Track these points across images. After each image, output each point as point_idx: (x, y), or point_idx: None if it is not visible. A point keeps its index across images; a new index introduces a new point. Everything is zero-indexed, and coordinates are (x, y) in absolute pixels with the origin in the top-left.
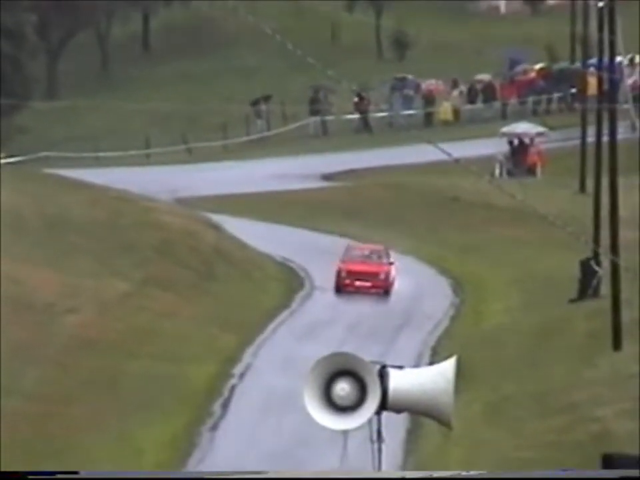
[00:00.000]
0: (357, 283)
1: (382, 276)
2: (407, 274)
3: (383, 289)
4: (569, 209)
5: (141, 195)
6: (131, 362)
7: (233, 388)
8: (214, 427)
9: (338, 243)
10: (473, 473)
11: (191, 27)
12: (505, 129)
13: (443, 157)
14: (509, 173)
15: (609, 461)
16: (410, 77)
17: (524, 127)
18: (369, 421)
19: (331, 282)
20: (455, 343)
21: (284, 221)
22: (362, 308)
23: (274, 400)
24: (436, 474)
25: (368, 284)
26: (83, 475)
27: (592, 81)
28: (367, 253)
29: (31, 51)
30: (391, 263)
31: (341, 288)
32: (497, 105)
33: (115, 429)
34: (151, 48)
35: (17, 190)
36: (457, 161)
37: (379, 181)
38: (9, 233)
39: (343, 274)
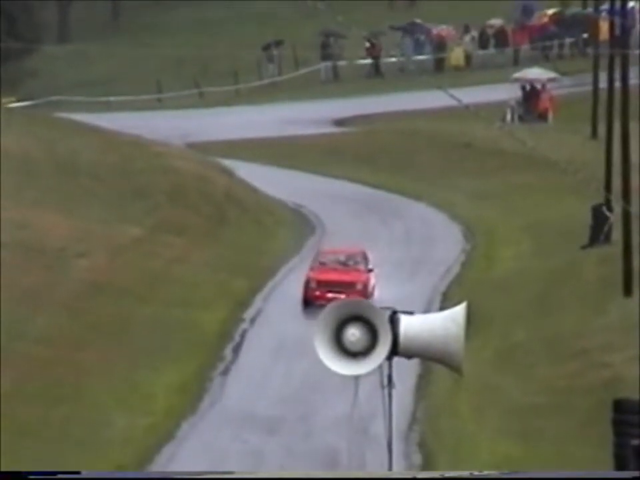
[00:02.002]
0: (330, 295)
1: (359, 286)
2: (420, 222)
3: None
4: (581, 154)
5: (152, 139)
6: (141, 307)
7: (244, 333)
8: (225, 372)
9: (349, 189)
10: (484, 474)
11: None
12: (516, 75)
13: (455, 102)
14: (521, 119)
15: (619, 406)
16: (421, 22)
17: (536, 73)
18: (380, 367)
19: (342, 226)
20: (465, 288)
21: (295, 166)
22: (372, 255)
23: (285, 345)
24: (447, 474)
25: (342, 296)
26: (84, 475)
27: (604, 26)
28: (341, 258)
29: None
30: (370, 270)
31: (309, 301)
32: (509, 50)
33: (125, 374)
34: None
35: (28, 134)
36: (467, 107)
37: (390, 126)
38: (20, 177)
39: (313, 284)
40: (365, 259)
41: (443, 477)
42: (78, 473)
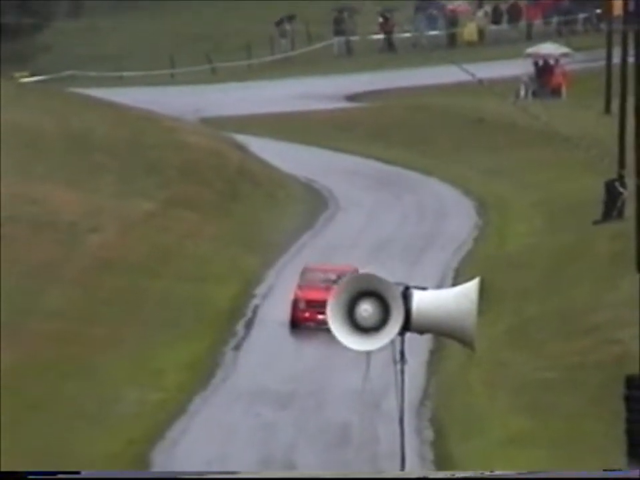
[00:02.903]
0: (320, 317)
1: None
2: (432, 197)
3: None
4: (594, 130)
5: (165, 114)
6: (153, 282)
7: (255, 308)
8: (237, 347)
9: (362, 164)
10: (496, 474)
11: None
12: (529, 50)
13: (468, 77)
14: (534, 94)
15: (631, 382)
16: None
17: (549, 48)
18: (392, 342)
19: (355, 201)
20: (478, 264)
21: (308, 141)
22: (385, 231)
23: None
24: (458, 474)
25: None
26: (83, 475)
27: (617, 2)
28: (332, 276)
29: None
30: None
31: (297, 322)
32: (522, 25)
33: (136, 350)
34: None
35: (40, 108)
36: (480, 82)
37: (403, 101)
38: (32, 152)
39: (301, 304)
40: None
41: (453, 477)
42: (78, 472)
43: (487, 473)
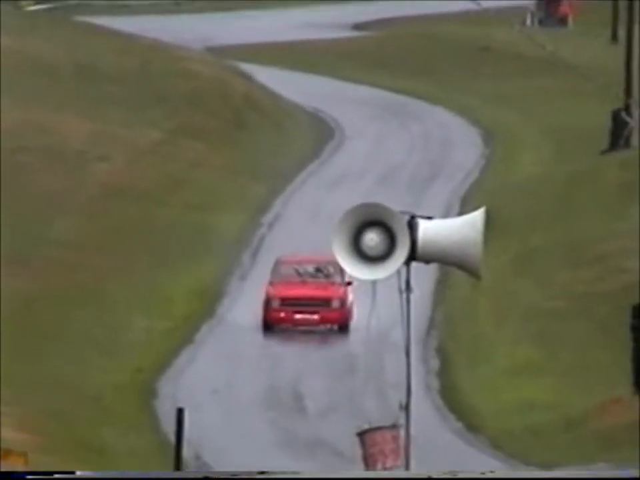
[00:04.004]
0: (298, 317)
1: (335, 304)
2: (439, 126)
3: (336, 324)
4: (601, 59)
5: (172, 43)
6: (161, 210)
7: (262, 238)
8: (243, 277)
9: (368, 93)
10: (496, 473)
11: None
12: None
13: (474, 6)
14: (540, 23)
15: (638, 312)
16: None
17: None
18: (398, 272)
19: (361, 130)
20: (484, 193)
21: (314, 70)
22: (391, 160)
23: (304, 251)
24: (460, 474)
25: (314, 317)
26: (78, 475)
27: None
28: (309, 269)
29: None
30: (349, 283)
31: (271, 324)
32: None
33: (144, 278)
34: None
35: (48, 37)
36: (486, 10)
37: (409, 30)
38: (41, 82)
39: (275, 303)
40: (340, 269)
41: (456, 478)
42: (72, 472)
43: (489, 473)
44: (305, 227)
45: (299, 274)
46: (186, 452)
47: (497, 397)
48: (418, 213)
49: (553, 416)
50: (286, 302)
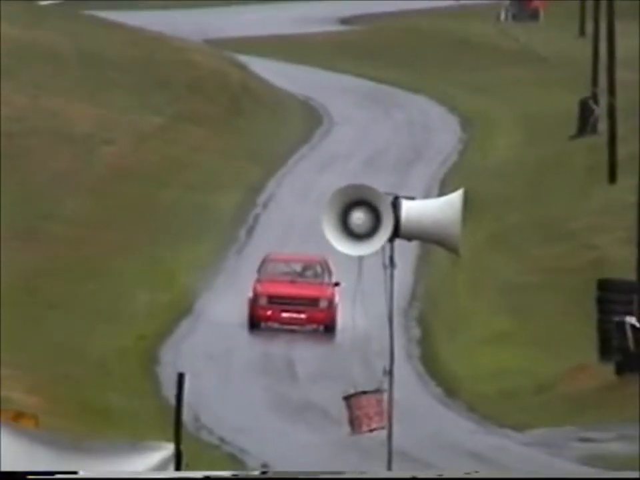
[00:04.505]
0: (285, 315)
1: (323, 304)
2: (420, 113)
3: (322, 324)
4: (569, 51)
5: (173, 35)
6: (163, 191)
7: (257, 216)
8: (239, 251)
9: (355, 82)
10: (480, 474)
11: None
12: None
13: (453, 2)
14: (514, 17)
15: (603, 286)
16: None
17: None
18: (382, 248)
19: (348, 116)
20: (462, 175)
21: (304, 61)
22: (376, 145)
23: (295, 228)
24: (446, 474)
25: (301, 316)
26: (81, 475)
27: None
28: (296, 267)
29: None
30: (336, 284)
31: (257, 321)
32: None
33: (147, 253)
34: None
35: (57, 29)
36: (464, 6)
37: (392, 24)
38: (51, 69)
39: (262, 300)
40: (328, 269)
41: (441, 477)
42: (75, 473)
43: (474, 473)
44: (296, 206)
45: (287, 273)
46: (185, 415)
47: (473, 364)
48: (401, 194)
49: (525, 381)
50: (273, 300)
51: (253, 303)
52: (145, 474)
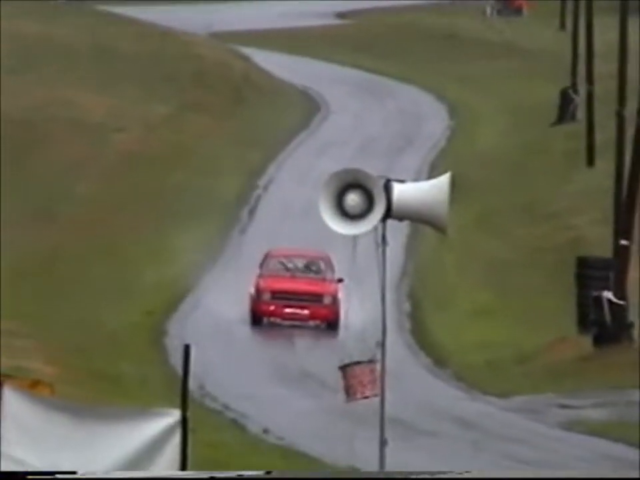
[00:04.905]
0: (288, 311)
1: (327, 300)
2: (410, 102)
3: (325, 321)
4: (551, 44)
5: (180, 30)
6: (170, 176)
7: (258, 198)
8: (242, 231)
9: (350, 73)
10: (475, 473)
11: None
12: None
13: None
14: (499, 13)
15: (582, 263)
16: None
17: None
18: (375, 228)
19: (343, 105)
20: (450, 160)
21: (303, 53)
22: (370, 131)
23: (293, 209)
24: (441, 475)
25: (305, 312)
26: (80, 475)
27: None
28: (300, 263)
29: None
30: (340, 280)
31: (260, 317)
32: None
33: (155, 233)
34: None
35: (72, 24)
36: (452, 2)
37: (385, 19)
38: (66, 62)
39: (265, 295)
40: (331, 265)
41: (436, 478)
42: (74, 473)
43: (466, 473)
44: (295, 188)
45: (289, 268)
46: (192, 383)
47: (460, 336)
48: (392, 177)
49: (508, 352)
50: (276, 295)
51: (256, 298)
52: (148, 474)
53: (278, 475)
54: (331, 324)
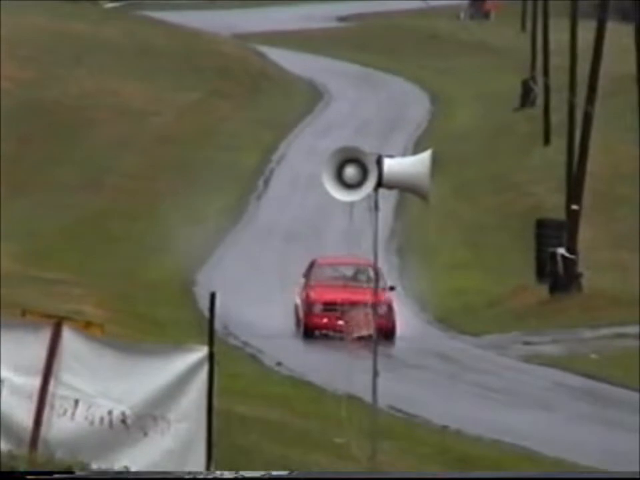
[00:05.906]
0: (340, 323)
1: (383, 309)
2: (399, 91)
3: (382, 331)
4: (514, 43)
5: (206, 31)
6: (198, 152)
7: (272, 170)
8: (258, 197)
9: (349, 67)
10: (474, 474)
11: None
12: None
13: (424, 5)
14: (471, 17)
15: (540, 224)
16: None
17: None
18: (369, 196)
19: (343, 95)
20: (431, 139)
21: (309, 51)
22: (365, 115)
23: (301, 179)
24: (440, 474)
25: None
26: (77, 475)
27: None
28: (348, 272)
29: None
30: (392, 288)
31: (312, 329)
32: None
33: (186, 200)
34: None
35: (117, 26)
36: (433, 7)
37: (378, 22)
38: (111, 58)
39: (317, 307)
40: (380, 273)
41: (435, 478)
42: (72, 472)
43: (465, 474)
44: (302, 162)
45: (337, 277)
46: (217, 324)
47: (440, 285)
48: (383, 153)
49: (480, 298)
50: (329, 307)
51: (308, 310)
52: (149, 474)
53: (300, 476)
54: (387, 334)
